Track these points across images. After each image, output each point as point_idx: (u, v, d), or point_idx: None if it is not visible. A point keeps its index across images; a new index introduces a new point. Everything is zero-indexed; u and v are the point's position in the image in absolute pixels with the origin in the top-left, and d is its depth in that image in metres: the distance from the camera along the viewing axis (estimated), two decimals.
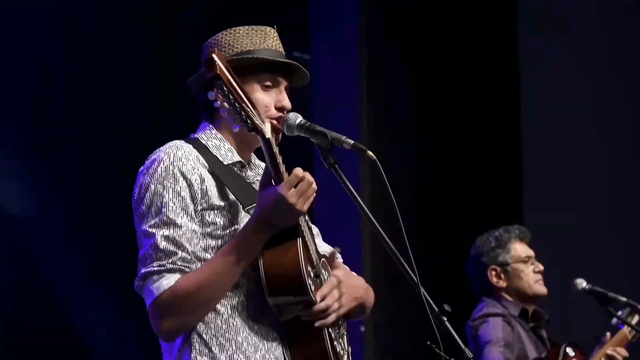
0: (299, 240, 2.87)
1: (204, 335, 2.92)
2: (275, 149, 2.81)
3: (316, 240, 3.10)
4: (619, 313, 5.21)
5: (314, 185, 2.84)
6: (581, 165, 6.99)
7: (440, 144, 7.33)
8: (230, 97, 2.68)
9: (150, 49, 6.91)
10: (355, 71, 7.22)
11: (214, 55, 2.66)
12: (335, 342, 2.99)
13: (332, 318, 2.93)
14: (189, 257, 2.89)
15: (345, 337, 3.11)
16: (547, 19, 7.05)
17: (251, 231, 2.85)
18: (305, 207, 2.84)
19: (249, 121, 2.72)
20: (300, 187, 2.81)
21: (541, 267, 5.30)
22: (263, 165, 3.01)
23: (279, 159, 2.82)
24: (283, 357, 2.94)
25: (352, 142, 2.98)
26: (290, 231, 2.87)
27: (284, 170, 2.85)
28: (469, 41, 7.23)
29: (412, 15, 7.35)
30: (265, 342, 2.94)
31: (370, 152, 2.97)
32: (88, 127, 6.64)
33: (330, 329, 2.97)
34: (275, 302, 2.88)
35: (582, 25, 6.96)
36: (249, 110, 2.72)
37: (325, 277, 3.00)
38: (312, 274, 2.92)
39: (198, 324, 2.91)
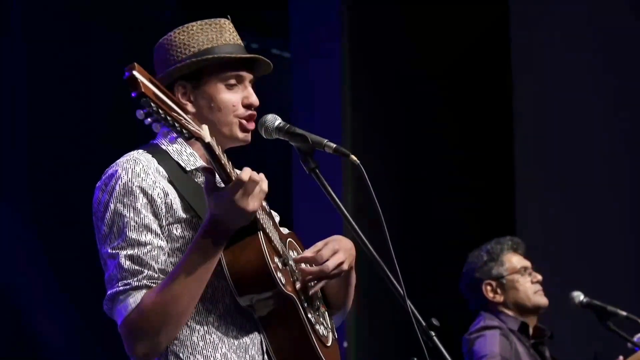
0: (260, 234, 2.91)
1: (181, 355, 2.94)
2: (218, 151, 2.82)
3: (278, 225, 3.15)
4: (635, 338, 5.13)
5: (263, 184, 2.86)
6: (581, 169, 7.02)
7: (429, 148, 7.32)
8: (160, 111, 2.66)
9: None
10: (338, 72, 7.22)
11: (134, 73, 2.63)
12: (316, 326, 3.04)
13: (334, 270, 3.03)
14: (155, 275, 2.91)
15: (326, 316, 3.16)
16: (539, 21, 7.07)
17: (206, 237, 2.86)
18: (257, 205, 2.86)
19: (184, 130, 2.73)
20: (248, 188, 2.82)
21: (539, 277, 5.30)
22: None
23: (224, 159, 2.83)
24: None
25: (334, 145, 3.00)
26: (249, 227, 2.90)
27: (232, 169, 2.86)
28: (458, 38, 7.25)
29: (396, 13, 7.36)
30: (246, 356, 2.97)
31: (353, 157, 2.99)
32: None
33: (309, 315, 3.01)
34: (245, 301, 2.92)
35: (577, 23, 6.99)
36: (181, 119, 2.73)
37: (294, 257, 3.07)
38: (279, 265, 2.96)
39: (172, 342, 2.93)
